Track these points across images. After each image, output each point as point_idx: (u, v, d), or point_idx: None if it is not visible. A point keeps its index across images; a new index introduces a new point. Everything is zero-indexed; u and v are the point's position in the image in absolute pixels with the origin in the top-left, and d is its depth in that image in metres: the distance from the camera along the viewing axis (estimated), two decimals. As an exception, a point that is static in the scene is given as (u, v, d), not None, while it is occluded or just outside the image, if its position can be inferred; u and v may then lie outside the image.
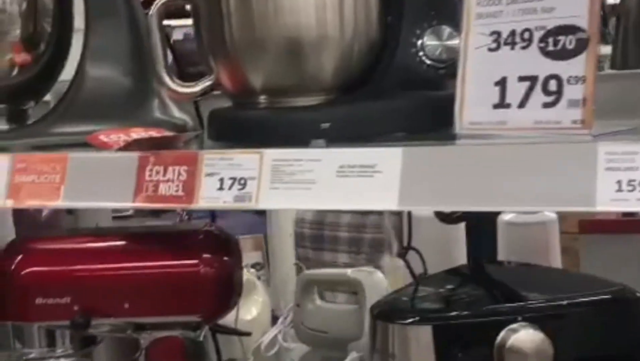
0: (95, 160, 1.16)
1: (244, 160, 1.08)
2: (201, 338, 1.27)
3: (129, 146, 1.15)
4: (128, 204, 1.13)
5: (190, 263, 1.22)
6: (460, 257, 1.78)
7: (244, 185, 1.07)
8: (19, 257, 1.25)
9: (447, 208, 1.01)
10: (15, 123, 1.34)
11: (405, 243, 1.54)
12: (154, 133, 1.28)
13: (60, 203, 1.16)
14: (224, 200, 1.08)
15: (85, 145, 1.24)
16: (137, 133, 1.26)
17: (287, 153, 1.06)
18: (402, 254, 1.48)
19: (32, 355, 1.25)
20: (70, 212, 1.72)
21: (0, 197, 1.19)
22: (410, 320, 1.00)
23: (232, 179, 1.08)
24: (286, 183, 1.05)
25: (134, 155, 1.13)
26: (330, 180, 1.03)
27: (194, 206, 1.09)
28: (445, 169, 0.98)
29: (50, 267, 1.24)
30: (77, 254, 1.26)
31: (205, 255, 1.23)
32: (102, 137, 1.25)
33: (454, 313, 1.02)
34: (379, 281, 1.80)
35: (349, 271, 1.75)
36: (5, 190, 1.19)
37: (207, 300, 1.22)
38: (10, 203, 1.19)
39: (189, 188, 1.10)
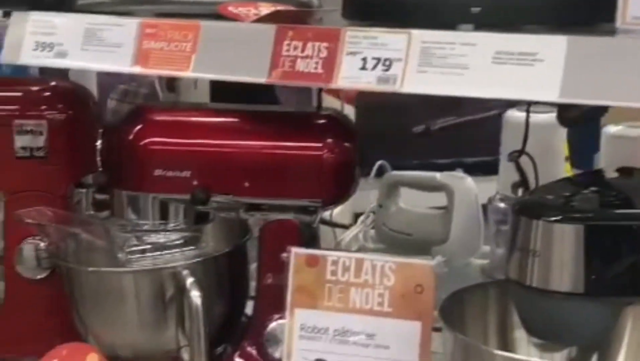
0: (229, 30, 1.11)
1: (390, 40, 1.03)
2: (316, 224, 1.25)
3: (262, 19, 1.11)
4: (262, 79, 1.09)
5: (315, 147, 1.18)
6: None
7: (388, 67, 1.02)
8: (139, 127, 1.22)
9: (609, 104, 0.96)
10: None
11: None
12: (280, 8, 1.24)
13: (190, 73, 1.12)
14: (367, 80, 1.03)
15: (209, 16, 1.21)
16: (266, 7, 1.22)
17: (439, 35, 1.00)
18: (514, 157, 1.43)
19: (145, 227, 1.24)
20: (171, 89, 1.68)
21: (127, 62, 1.15)
22: (559, 217, 0.97)
23: (376, 59, 1.03)
24: (436, 67, 0.99)
25: (271, 27, 1.08)
26: (485, 67, 0.97)
27: (333, 85, 1.05)
28: (609, 63, 0.93)
29: (172, 139, 1.21)
30: (199, 128, 1.22)
31: (329, 140, 1.19)
32: (231, 9, 1.20)
33: (604, 214, 0.98)
34: (470, 187, 1.76)
35: (438, 175, 1.72)
36: (133, 55, 1.15)
37: (329, 186, 1.18)
38: (137, 70, 1.15)
39: (329, 66, 1.05)
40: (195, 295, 1.16)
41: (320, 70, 1.05)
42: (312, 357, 1.13)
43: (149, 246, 1.21)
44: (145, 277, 1.20)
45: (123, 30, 1.16)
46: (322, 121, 1.22)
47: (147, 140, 1.20)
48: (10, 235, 1.41)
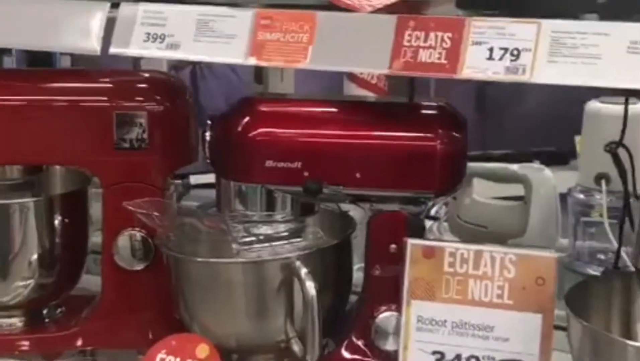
0: (347, 20, 1.10)
1: (518, 30, 1.02)
2: (423, 216, 1.24)
3: (382, 10, 1.11)
4: (384, 70, 1.08)
5: (428, 137, 1.17)
6: None
7: (517, 57, 1.01)
8: (249, 118, 1.21)
9: None
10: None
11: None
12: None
13: (307, 64, 1.12)
14: (494, 70, 1.02)
15: (320, 7, 1.20)
16: (377, -3, 1.22)
17: (570, 25, 0.99)
18: (612, 149, 1.42)
19: (254, 217, 1.24)
20: (259, 80, 1.68)
21: (242, 53, 1.15)
22: None
23: (503, 49, 1.02)
24: (567, 57, 0.99)
25: (392, 17, 1.07)
26: (619, 57, 0.96)
27: (458, 75, 1.04)
28: None
29: (283, 130, 1.20)
30: (310, 119, 1.21)
31: (441, 130, 1.18)
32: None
33: None
34: (548, 178, 1.75)
35: (515, 166, 1.71)
36: (247, 46, 1.15)
37: (441, 177, 1.17)
38: (252, 61, 1.14)
39: (453, 56, 1.04)
40: (311, 286, 1.15)
41: (443, 61, 1.04)
42: (429, 349, 1.13)
43: (258, 237, 1.21)
44: (258, 268, 1.20)
45: (237, 22, 1.15)
46: (433, 111, 1.21)
47: (258, 131, 1.19)
48: (109, 226, 1.42)
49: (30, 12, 1.25)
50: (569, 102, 1.81)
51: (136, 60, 2.11)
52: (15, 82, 1.41)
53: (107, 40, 1.23)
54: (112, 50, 1.22)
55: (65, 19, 1.23)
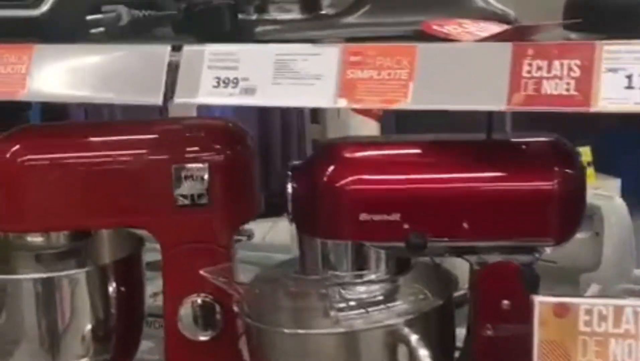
0: (452, 52, 0.97)
1: (661, 53, 0.90)
2: (536, 265, 1.11)
3: (489, 39, 0.98)
4: (501, 107, 0.95)
5: (543, 178, 1.04)
6: None
7: (663, 84, 0.89)
8: (336, 165, 1.07)
9: None
10: (309, 12, 1.17)
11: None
12: (486, 25, 1.11)
13: (409, 103, 0.99)
14: (635, 101, 0.90)
15: (406, 38, 1.08)
16: (475, 25, 1.09)
17: None
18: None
19: (346, 278, 1.10)
20: (316, 120, 1.55)
21: (330, 95, 1.02)
22: None
23: (645, 76, 0.90)
24: None
25: (506, 46, 0.94)
26: None
27: (593, 108, 0.91)
28: None
29: (378, 177, 1.06)
30: (405, 163, 1.08)
31: (557, 170, 1.05)
32: (437, 27, 1.08)
33: None
34: (619, 206, 1.63)
35: (584, 196, 1.58)
36: (336, 87, 1.02)
37: (561, 221, 1.04)
38: (342, 103, 1.01)
39: (585, 87, 0.91)
40: (425, 355, 1.01)
41: (574, 92, 0.91)
42: (568, 421, 1.00)
43: (353, 301, 1.07)
44: (360, 338, 1.05)
45: (321, 60, 1.01)
46: (543, 148, 1.08)
47: (349, 180, 1.06)
48: (172, 292, 1.28)
49: (87, 63, 1.13)
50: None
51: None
52: (57, 138, 1.28)
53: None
54: (177, 99, 1.09)
55: (123, 67, 1.11)
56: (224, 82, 1.06)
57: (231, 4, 1.06)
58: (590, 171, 1.71)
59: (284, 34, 1.11)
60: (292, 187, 1.08)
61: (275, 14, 1.16)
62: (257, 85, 1.05)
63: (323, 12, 1.18)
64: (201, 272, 1.11)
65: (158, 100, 1.08)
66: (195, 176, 1.24)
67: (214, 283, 1.22)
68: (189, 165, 1.24)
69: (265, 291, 1.09)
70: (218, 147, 1.25)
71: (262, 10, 1.16)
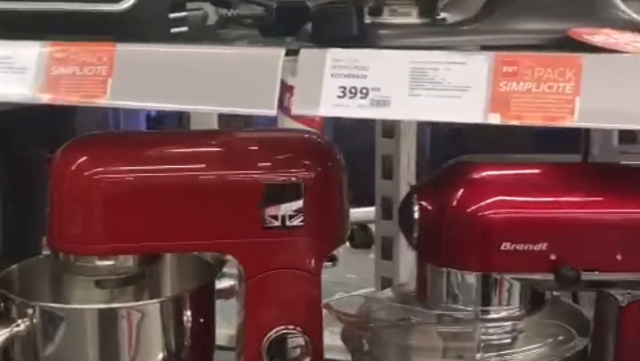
0: (620, 64, 0.87)
1: None
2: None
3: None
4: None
5: None
6: None
7: None
8: (470, 190, 0.96)
9: None
10: (427, 17, 1.06)
11: None
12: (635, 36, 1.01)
13: (575, 121, 0.87)
14: None
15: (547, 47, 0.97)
16: (624, 35, 0.99)
17: None
18: None
19: (480, 314, 0.97)
20: (389, 134, 1.44)
21: (480, 109, 0.90)
22: None
23: None
24: None
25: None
26: None
27: None
28: None
29: (521, 201, 0.94)
30: (548, 186, 0.96)
31: None
32: (588, 36, 0.97)
33: None
34: None
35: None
36: (486, 100, 0.91)
37: None
38: (495, 119, 0.90)
39: None
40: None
41: None
42: None
43: (491, 338, 0.96)
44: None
45: (468, 69, 0.90)
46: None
47: (488, 206, 0.94)
48: (255, 323, 1.15)
49: (181, 66, 1.00)
50: None
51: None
52: (129, 149, 1.13)
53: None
54: (296, 110, 0.97)
55: (227, 72, 0.99)
56: (350, 92, 0.94)
57: (358, 6, 0.95)
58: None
59: (408, 39, 1.00)
60: (419, 212, 0.97)
61: (389, 18, 1.06)
62: (391, 96, 0.94)
63: (439, 17, 1.09)
64: (328, 305, 0.99)
65: (272, 110, 0.96)
66: (288, 195, 1.13)
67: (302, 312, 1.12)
68: (282, 184, 1.12)
69: (394, 329, 0.97)
70: (312, 163, 1.12)
71: (376, 14, 1.05)
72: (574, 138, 1.28)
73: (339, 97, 0.94)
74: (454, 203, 0.95)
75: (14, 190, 1.36)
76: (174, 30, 1.09)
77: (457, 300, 0.99)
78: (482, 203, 0.95)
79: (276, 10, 1.14)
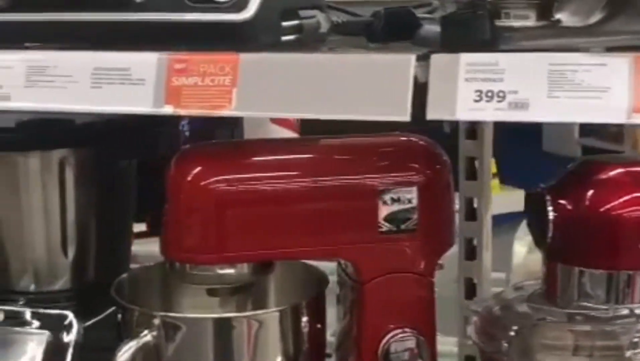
0: None
1: None
2: None
3: None
4: None
5: None
6: None
7: None
8: (611, 190, 0.97)
9: None
10: (545, 19, 1.07)
11: None
12: None
13: None
14: None
15: None
16: None
17: None
18: None
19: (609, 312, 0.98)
20: (472, 136, 1.44)
21: (622, 110, 0.90)
22: None
23: None
24: None
25: None
26: None
27: None
28: None
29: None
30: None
31: None
32: None
33: None
34: None
35: None
36: (628, 101, 0.92)
37: None
38: (638, 119, 0.92)
39: None
40: None
41: None
42: None
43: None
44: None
45: (608, 71, 0.92)
46: None
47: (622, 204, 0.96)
48: (370, 328, 1.15)
49: (307, 74, 1.00)
50: None
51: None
52: (247, 159, 1.14)
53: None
54: (430, 115, 0.98)
55: (355, 79, 0.99)
56: (487, 95, 0.95)
57: (490, 9, 0.96)
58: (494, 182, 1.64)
59: (533, 41, 1.00)
60: (553, 212, 0.97)
61: (509, 21, 1.06)
62: (529, 98, 0.95)
63: (554, 19, 1.09)
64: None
65: (405, 116, 0.97)
66: (403, 200, 1.13)
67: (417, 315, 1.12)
68: (397, 188, 1.13)
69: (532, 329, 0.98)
70: (424, 166, 1.13)
71: (494, 17, 1.06)
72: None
73: (475, 100, 0.95)
74: (590, 202, 0.96)
75: (107, 202, 1.36)
76: (284, 38, 1.11)
77: (589, 298, 1.00)
78: (619, 202, 0.96)
79: (385, 16, 1.15)
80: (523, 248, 1.65)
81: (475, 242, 1.53)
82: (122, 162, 1.37)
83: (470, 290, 1.55)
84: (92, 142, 1.34)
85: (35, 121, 1.33)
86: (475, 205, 1.50)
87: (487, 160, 1.51)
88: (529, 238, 1.59)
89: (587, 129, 5.47)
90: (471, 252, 1.54)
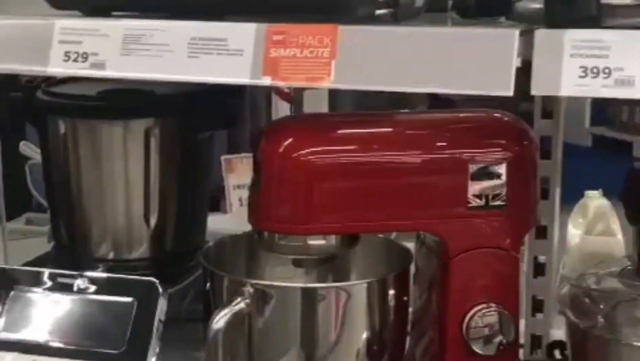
0: None
1: None
2: None
3: None
4: None
5: None
6: None
7: None
8: None
9: None
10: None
11: None
12: None
13: None
14: None
15: None
16: None
17: None
18: None
19: None
20: (548, 115, 1.45)
21: None
22: None
23: None
24: None
25: None
26: None
27: None
28: None
29: None
30: None
31: None
32: None
33: None
34: None
35: None
36: None
37: None
38: None
39: None
40: None
41: None
42: None
43: None
44: None
45: None
46: None
47: None
48: (456, 301, 1.15)
49: (406, 48, 1.00)
50: None
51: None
52: (338, 132, 1.14)
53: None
54: (535, 90, 0.98)
55: (456, 54, 0.99)
56: (592, 72, 0.95)
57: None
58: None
59: (634, 19, 1.00)
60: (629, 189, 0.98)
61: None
62: (635, 75, 0.95)
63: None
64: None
65: (509, 91, 0.97)
66: (493, 175, 1.14)
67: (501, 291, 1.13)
68: (487, 164, 1.13)
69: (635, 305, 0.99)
70: (512, 142, 1.14)
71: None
72: None
73: (581, 77, 0.95)
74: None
75: (188, 172, 1.38)
76: (378, 12, 1.11)
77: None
78: None
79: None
80: (577, 230, 1.65)
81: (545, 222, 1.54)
82: (203, 133, 1.39)
83: (539, 269, 1.56)
84: (175, 112, 1.36)
85: (120, 90, 1.35)
86: (549, 185, 1.51)
87: (561, 140, 1.51)
88: (582, 220, 1.60)
89: (598, 118, 5.47)
90: (542, 231, 1.54)
